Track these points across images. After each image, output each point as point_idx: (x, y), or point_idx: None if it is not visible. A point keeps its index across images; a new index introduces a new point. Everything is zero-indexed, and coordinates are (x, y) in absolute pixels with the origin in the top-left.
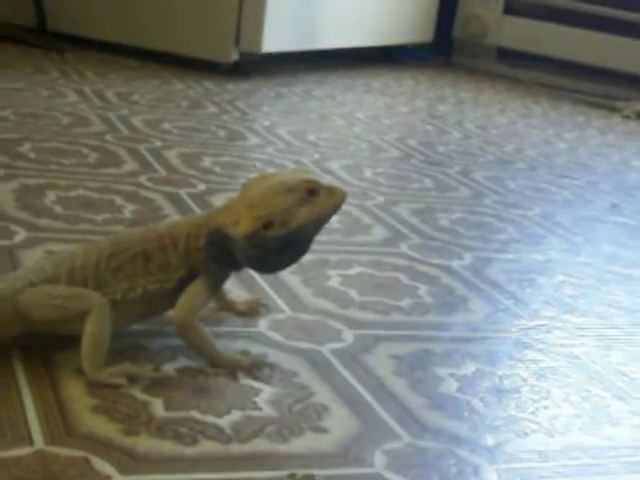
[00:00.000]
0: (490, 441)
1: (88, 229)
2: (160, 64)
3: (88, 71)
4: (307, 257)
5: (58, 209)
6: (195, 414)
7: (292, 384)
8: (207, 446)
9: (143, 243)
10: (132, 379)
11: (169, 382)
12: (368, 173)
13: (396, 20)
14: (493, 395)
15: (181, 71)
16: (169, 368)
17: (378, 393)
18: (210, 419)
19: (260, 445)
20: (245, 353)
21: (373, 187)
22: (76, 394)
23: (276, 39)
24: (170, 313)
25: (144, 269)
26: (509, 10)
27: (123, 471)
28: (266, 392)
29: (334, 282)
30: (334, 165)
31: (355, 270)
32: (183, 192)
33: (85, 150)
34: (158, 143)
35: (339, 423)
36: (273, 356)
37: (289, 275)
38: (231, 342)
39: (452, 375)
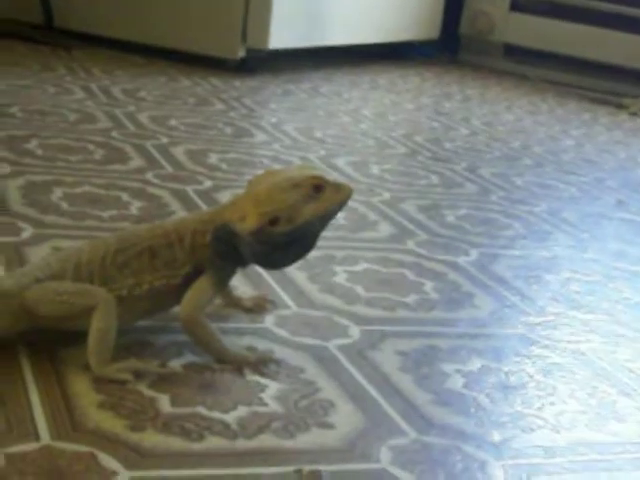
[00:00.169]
0: (496, 437)
1: (94, 225)
2: (167, 61)
3: (95, 68)
4: (313, 253)
5: (64, 206)
6: (201, 410)
7: (298, 380)
8: (213, 442)
9: (149, 239)
10: (138, 375)
11: (175, 378)
12: (374, 169)
13: (402, 17)
14: (499, 391)
15: (188, 68)
16: (175, 364)
17: (384, 389)
18: (216, 415)
19: (266, 441)
20: (251, 349)
21: (379, 183)
22: (82, 390)
23: (283, 36)
24: (176, 309)
25: (150, 265)
26: (516, 7)
27: (129, 466)
28: (272, 388)
29: (340, 278)
30: (340, 162)
31: (361, 266)
32: (189, 189)
33: (91, 147)
34: (165, 140)
35: (345, 419)
36: (279, 352)
37: (295, 271)
38: (237, 338)
39: (458, 371)
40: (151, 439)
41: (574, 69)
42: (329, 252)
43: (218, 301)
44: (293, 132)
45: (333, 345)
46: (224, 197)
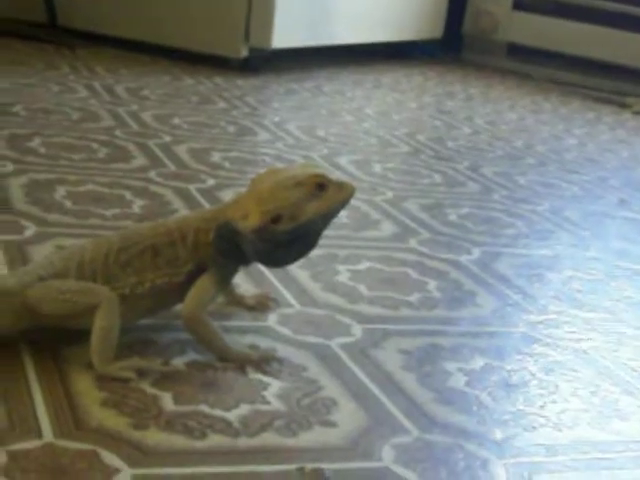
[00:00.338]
0: (498, 435)
1: (97, 224)
2: (171, 60)
3: (99, 67)
4: (316, 252)
5: (68, 204)
6: (204, 408)
7: (301, 378)
8: (215, 440)
9: (152, 238)
10: (141, 373)
11: (178, 376)
12: (377, 168)
13: (406, 16)
14: (501, 389)
15: (191, 67)
16: (178, 362)
17: (387, 387)
18: (219, 413)
19: (269, 439)
20: (254, 347)
21: (382, 182)
22: (85, 388)
23: (286, 35)
24: (179, 307)
25: (153, 263)
26: (519, 6)
27: (132, 464)
28: (275, 386)
29: (343, 277)
30: (343, 160)
31: (364, 265)
32: (192, 187)
33: (95, 145)
34: (168, 138)
35: (348, 417)
36: (282, 350)
37: (298, 270)
38: (240, 336)
39: (460, 369)
40: (154, 437)
41: (578, 68)
42: (332, 251)
43: (221, 299)
44: (296, 131)
45: (336, 343)
46: (227, 196)
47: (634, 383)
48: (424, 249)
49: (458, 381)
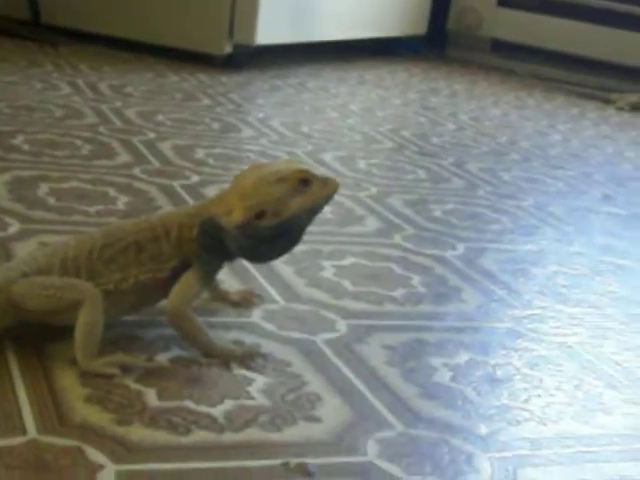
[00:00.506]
0: (483, 430)
1: (81, 220)
2: (154, 57)
3: (82, 64)
4: (300, 248)
5: (51, 201)
6: (188, 404)
7: (285, 374)
8: (200, 435)
9: (135, 233)
10: (125, 369)
11: (162, 372)
12: (362, 164)
13: (390, 12)
14: (486, 384)
15: (175, 64)
16: (162, 358)
17: (371, 383)
18: (203, 409)
19: (253, 434)
20: (238, 343)
21: (366, 178)
22: (69, 384)
23: (270, 31)
24: (163, 303)
25: (136, 259)
26: (503, 2)
27: (116, 460)
28: (259, 382)
29: (327, 272)
30: (327, 156)
31: (348, 261)
32: (176, 184)
33: (78, 142)
34: (152, 135)
35: (332, 412)
36: (266, 346)
37: (282, 265)
38: (224, 332)
39: (445, 365)
40: (138, 433)
41: (562, 64)
42: (316, 246)
43: (205, 295)
44: (280, 127)
45: (320, 339)
46: (211, 192)
47: (618, 377)
48: (409, 245)
49: (443, 376)
